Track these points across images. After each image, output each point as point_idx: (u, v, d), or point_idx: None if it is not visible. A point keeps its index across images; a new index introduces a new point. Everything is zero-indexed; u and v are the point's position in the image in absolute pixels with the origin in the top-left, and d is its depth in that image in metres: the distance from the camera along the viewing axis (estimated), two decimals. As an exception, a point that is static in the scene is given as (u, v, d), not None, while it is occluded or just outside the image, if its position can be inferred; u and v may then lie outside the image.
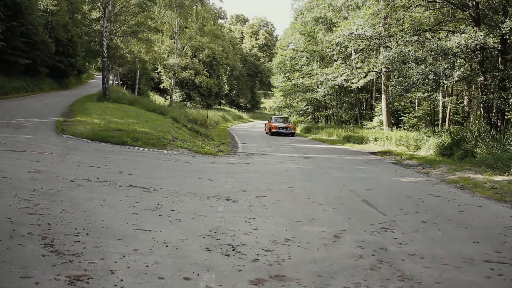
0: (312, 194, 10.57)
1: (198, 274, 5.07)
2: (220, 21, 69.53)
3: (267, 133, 37.85)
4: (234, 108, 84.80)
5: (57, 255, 5.20)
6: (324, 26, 40.03)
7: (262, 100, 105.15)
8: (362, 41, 30.32)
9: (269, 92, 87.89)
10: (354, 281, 5.16)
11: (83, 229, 6.23)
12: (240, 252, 5.94)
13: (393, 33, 28.16)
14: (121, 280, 4.69)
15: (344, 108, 46.92)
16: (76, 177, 9.70)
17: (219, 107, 75.38)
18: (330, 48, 36.07)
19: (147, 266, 5.16)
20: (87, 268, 4.91)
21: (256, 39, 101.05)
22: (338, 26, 32.63)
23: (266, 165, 16.14)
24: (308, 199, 9.93)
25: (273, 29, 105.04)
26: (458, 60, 22.24)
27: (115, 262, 5.18)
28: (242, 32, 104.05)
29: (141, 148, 16.72)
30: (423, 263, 5.86)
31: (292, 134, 36.59)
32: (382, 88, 33.02)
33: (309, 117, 53.68)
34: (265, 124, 41.13)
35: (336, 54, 36.66)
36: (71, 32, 47.35)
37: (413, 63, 22.66)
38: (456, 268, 5.76)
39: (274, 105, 61.45)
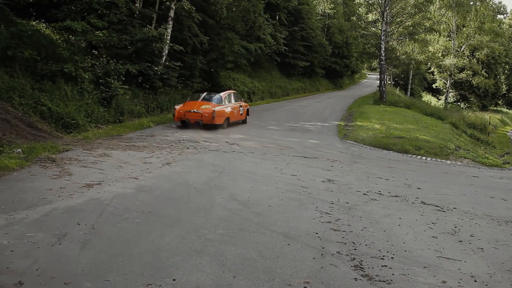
0: None
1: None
2: (499, 16, 64.15)
3: None
4: (513, 110, 77.60)
5: (368, 280, 5.44)
6: None
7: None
8: None
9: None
10: None
11: (387, 252, 6.38)
12: None
13: None
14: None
15: None
16: (368, 190, 10.00)
17: (495, 108, 69.68)
18: None
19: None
20: (400, 299, 5.02)
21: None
22: None
23: None
24: None
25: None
26: None
27: (426, 294, 5.19)
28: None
29: (423, 157, 16.34)
30: None
31: None
32: None
33: None
34: None
35: None
36: (347, 34, 48.95)
37: None
38: None
39: None
